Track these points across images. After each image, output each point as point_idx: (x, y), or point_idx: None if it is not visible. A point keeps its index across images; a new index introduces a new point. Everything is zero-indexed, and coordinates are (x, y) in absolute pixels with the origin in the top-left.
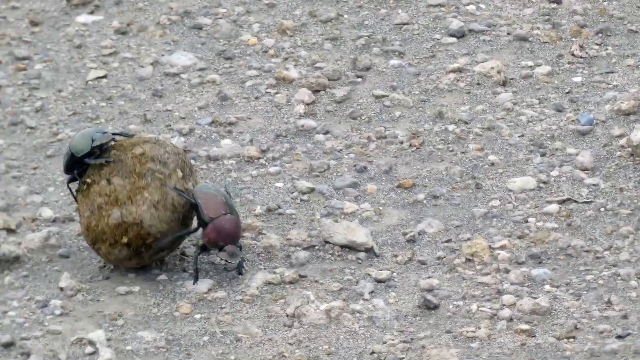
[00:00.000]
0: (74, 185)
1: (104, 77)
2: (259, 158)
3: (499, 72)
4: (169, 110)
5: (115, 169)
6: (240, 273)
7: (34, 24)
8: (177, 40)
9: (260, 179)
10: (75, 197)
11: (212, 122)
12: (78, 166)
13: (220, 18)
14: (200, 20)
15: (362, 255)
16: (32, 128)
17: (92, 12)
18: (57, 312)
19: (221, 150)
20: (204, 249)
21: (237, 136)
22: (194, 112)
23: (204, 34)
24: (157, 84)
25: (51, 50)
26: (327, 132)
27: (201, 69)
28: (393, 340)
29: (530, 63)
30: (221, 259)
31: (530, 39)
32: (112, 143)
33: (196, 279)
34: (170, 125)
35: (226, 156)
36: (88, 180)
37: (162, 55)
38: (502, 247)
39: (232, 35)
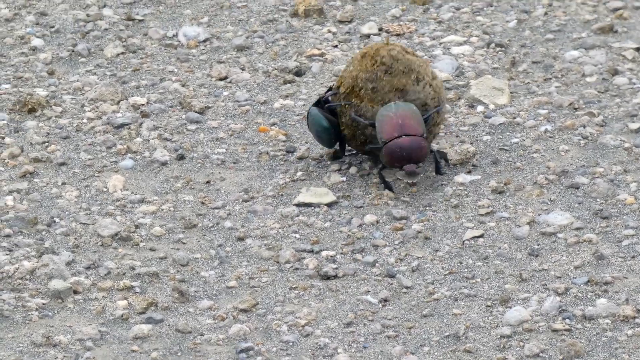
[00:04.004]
0: None
1: (481, 236)
2: (634, 317)
3: None
4: (545, 270)
5: None
6: (439, 173)
7: (411, 184)
8: (554, 199)
9: (636, 339)
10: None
11: (588, 281)
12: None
13: (598, 177)
14: (577, 180)
15: None
16: (407, 287)
17: (469, 172)
18: None
19: (596, 310)
20: (384, 167)
21: (612, 295)
22: (570, 272)
23: (581, 193)
24: (533, 243)
25: (428, 210)
26: None
27: (578, 228)
28: None
29: None
30: (400, 178)
31: None
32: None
33: (390, 189)
34: (545, 285)
35: (601, 315)
36: None
37: (539, 214)
38: None
39: (609, 195)
